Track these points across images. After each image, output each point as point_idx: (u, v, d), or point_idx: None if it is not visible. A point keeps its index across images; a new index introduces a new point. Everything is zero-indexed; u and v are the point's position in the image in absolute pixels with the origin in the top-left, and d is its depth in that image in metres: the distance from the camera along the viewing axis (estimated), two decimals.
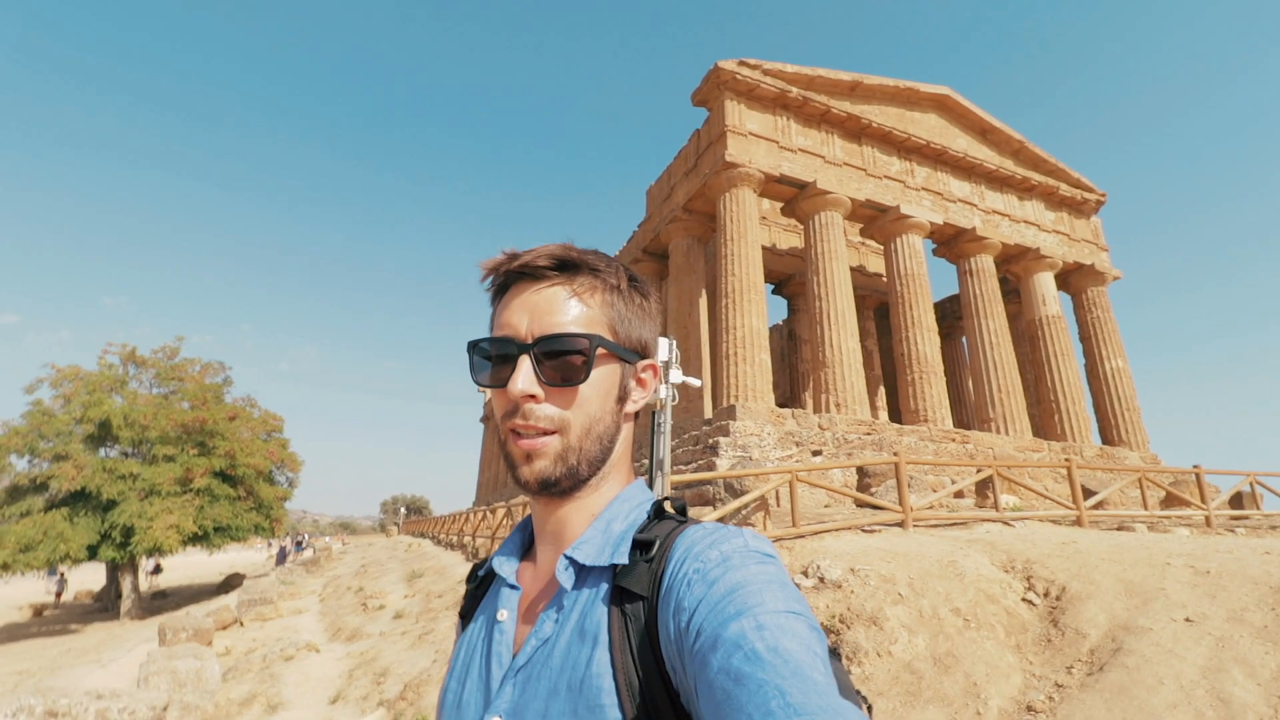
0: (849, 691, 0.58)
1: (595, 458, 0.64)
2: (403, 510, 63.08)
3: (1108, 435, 20.85)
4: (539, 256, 0.64)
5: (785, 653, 0.44)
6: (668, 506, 0.67)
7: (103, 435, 18.64)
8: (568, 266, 0.65)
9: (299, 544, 38.84)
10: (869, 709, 0.64)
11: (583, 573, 0.62)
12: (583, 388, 0.63)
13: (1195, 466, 10.56)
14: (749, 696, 0.42)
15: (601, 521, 0.65)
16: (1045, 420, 20.59)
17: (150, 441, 18.57)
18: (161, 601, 22.38)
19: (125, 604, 18.70)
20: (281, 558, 30.56)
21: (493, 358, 0.65)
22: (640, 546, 0.61)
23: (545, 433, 0.62)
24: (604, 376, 0.65)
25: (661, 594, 0.56)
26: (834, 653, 0.62)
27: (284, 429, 23.72)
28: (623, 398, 0.68)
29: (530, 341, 0.63)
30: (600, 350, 0.64)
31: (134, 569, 18.97)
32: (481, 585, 0.75)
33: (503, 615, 0.65)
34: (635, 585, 0.58)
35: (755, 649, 0.44)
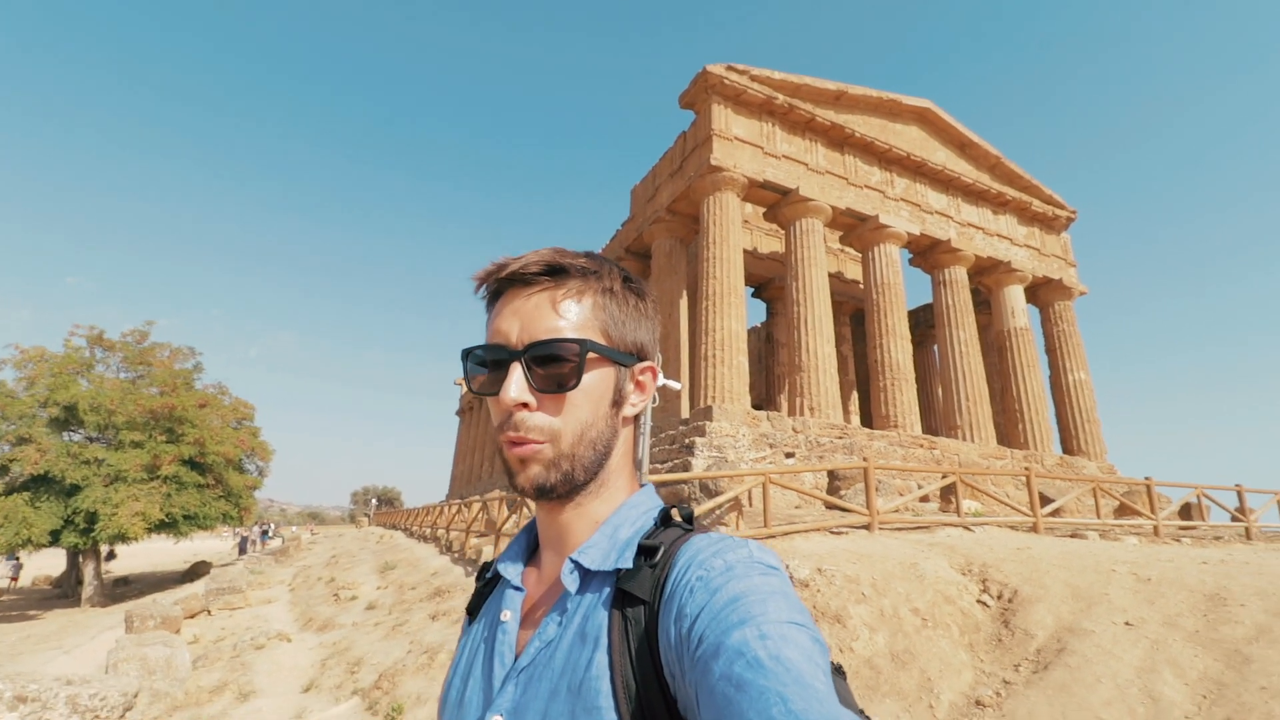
0: (850, 707, 0.61)
1: (590, 463, 0.65)
2: (374, 501, 62.41)
3: (1068, 445, 21.58)
4: (528, 264, 0.64)
5: (788, 661, 0.44)
6: (675, 514, 0.67)
7: (67, 419, 18.19)
8: (557, 271, 0.65)
9: (264, 533, 37.65)
10: None
11: (587, 576, 0.62)
12: (573, 394, 0.63)
13: (1147, 478, 11.06)
14: (750, 703, 0.42)
15: (609, 527, 0.65)
16: (1010, 429, 21.24)
17: (117, 427, 18.19)
18: (124, 589, 21.95)
19: (87, 590, 18.31)
20: (243, 548, 29.48)
21: (486, 365, 0.65)
22: (645, 552, 0.61)
23: (537, 441, 0.62)
24: (596, 381, 0.65)
25: (664, 600, 0.56)
26: (838, 670, 0.64)
27: (254, 417, 23.41)
28: (619, 401, 0.67)
29: (520, 349, 0.63)
30: (591, 355, 0.64)
31: (96, 555, 18.59)
32: (489, 584, 0.76)
33: (506, 616, 0.66)
34: (638, 590, 0.58)
35: (758, 656, 0.45)
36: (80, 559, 19.08)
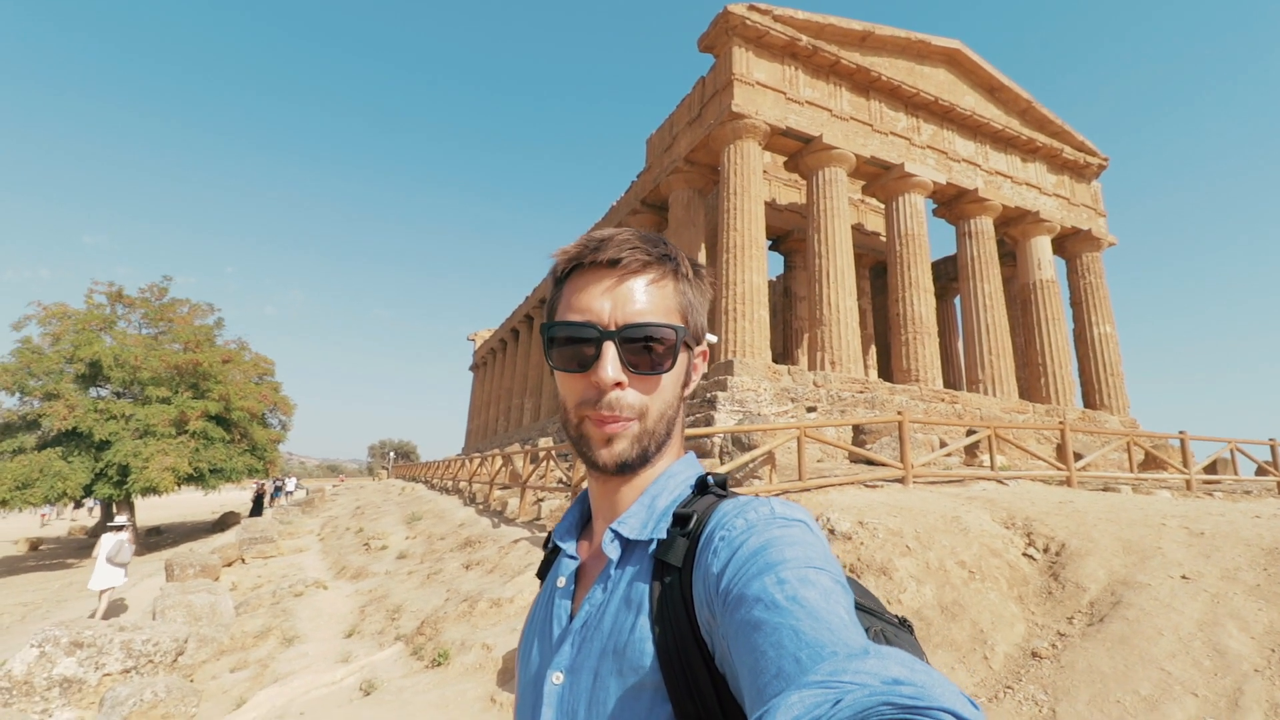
0: (919, 657, 0.58)
1: (662, 439, 0.69)
2: (391, 454, 63.55)
3: (1090, 399, 21.38)
4: (620, 246, 0.66)
5: (803, 599, 0.47)
6: (710, 481, 0.71)
7: (93, 375, 18.44)
8: (645, 255, 0.67)
9: (278, 488, 35.50)
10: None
11: (628, 545, 0.67)
12: (664, 376, 0.67)
13: (1181, 432, 10.93)
14: (765, 638, 0.45)
15: (647, 497, 0.69)
16: (1031, 383, 21.02)
17: (142, 383, 18.41)
18: (156, 538, 22.64)
19: None
20: (257, 508, 25.03)
21: (572, 342, 0.66)
22: (679, 520, 0.65)
23: (628, 419, 0.66)
24: (679, 364, 0.69)
25: (694, 564, 0.60)
26: (903, 623, 0.68)
27: (275, 372, 23.61)
28: (686, 382, 0.72)
29: (614, 329, 0.65)
30: (683, 339, 0.68)
31: (130, 507, 19.10)
32: (554, 552, 0.80)
33: (561, 583, 0.71)
34: (672, 558, 0.62)
35: (775, 598, 0.47)
36: (114, 509, 19.61)
